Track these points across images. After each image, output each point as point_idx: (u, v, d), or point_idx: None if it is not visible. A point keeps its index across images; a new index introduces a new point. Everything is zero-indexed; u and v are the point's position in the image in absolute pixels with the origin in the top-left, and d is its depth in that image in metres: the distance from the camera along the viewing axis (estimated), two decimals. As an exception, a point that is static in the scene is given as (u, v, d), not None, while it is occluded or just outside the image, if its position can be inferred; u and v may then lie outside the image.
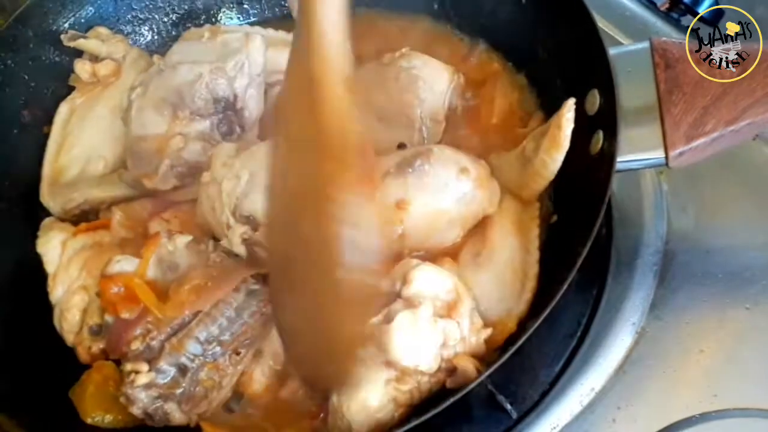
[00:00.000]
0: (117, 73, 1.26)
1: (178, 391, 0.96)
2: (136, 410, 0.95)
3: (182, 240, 1.04)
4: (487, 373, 0.89)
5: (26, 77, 1.26)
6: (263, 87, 1.22)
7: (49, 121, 1.28)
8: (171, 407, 0.96)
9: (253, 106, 1.20)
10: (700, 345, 1.10)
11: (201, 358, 0.97)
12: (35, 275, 1.13)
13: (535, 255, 1.03)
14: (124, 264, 1.03)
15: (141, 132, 1.14)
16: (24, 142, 1.26)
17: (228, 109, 1.15)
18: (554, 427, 1.07)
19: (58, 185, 1.22)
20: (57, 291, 1.09)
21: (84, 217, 1.20)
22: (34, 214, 1.22)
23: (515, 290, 1.01)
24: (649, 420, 1.04)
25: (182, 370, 0.97)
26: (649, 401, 1.07)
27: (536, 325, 0.89)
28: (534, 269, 1.01)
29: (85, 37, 1.27)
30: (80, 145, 1.24)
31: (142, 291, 0.99)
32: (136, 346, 0.96)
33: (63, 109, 1.27)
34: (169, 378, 0.96)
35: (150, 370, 0.95)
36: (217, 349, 0.98)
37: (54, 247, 1.12)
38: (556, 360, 1.11)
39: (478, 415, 1.08)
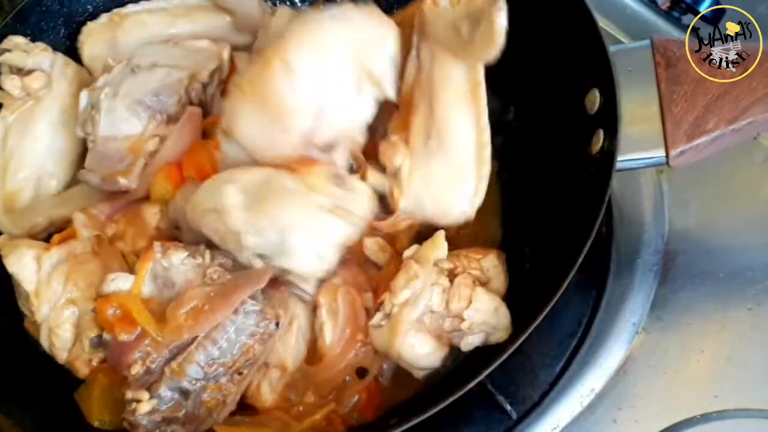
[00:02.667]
0: (48, 85, 1.21)
1: (181, 413, 0.94)
2: None
3: (177, 256, 1.00)
4: (486, 373, 0.89)
5: (23, 76, 1.26)
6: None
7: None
8: (176, 428, 0.94)
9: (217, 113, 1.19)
10: (701, 345, 1.10)
11: (202, 381, 0.95)
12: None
13: (486, 132, 1.00)
14: (120, 282, 1.00)
15: (111, 132, 1.12)
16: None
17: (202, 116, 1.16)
18: (554, 428, 1.06)
19: (15, 212, 1.18)
20: (43, 309, 1.04)
21: (48, 237, 1.14)
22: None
23: (470, 185, 1.01)
24: (650, 421, 1.03)
25: (184, 393, 0.94)
26: (650, 402, 1.06)
27: (535, 324, 0.89)
28: (486, 150, 1.00)
29: (8, 51, 1.20)
30: (26, 166, 1.18)
31: (140, 314, 0.96)
32: (136, 370, 0.94)
33: None
34: (171, 403, 0.94)
35: (151, 398, 0.93)
36: (219, 370, 0.96)
37: (27, 264, 1.06)
38: (556, 360, 1.11)
39: (477, 415, 1.07)
